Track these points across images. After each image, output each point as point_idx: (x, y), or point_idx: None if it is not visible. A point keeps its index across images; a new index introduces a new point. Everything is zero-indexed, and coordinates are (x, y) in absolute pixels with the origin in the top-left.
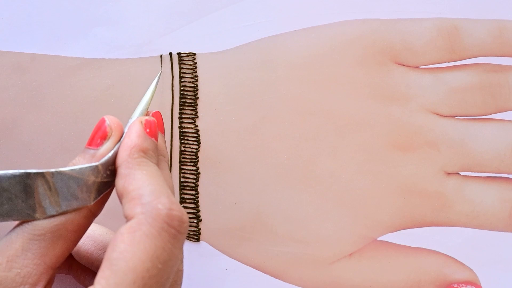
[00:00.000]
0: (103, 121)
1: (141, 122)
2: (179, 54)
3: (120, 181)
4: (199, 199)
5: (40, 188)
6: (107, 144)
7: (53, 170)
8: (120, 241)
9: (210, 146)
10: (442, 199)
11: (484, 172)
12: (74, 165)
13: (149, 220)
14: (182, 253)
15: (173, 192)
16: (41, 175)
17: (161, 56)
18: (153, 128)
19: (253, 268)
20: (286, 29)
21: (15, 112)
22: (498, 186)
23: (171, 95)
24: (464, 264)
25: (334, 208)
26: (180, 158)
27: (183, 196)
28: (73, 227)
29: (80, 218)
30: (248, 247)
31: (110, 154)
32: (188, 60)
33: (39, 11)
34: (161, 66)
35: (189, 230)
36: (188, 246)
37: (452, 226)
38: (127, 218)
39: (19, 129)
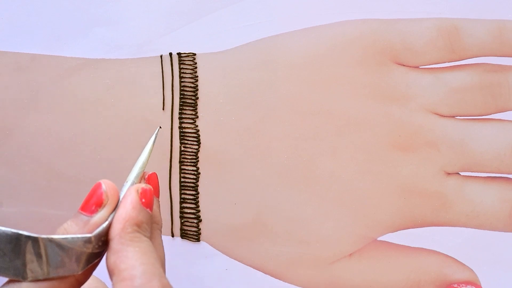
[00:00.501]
0: (99, 186)
1: (137, 191)
2: (179, 54)
3: (111, 257)
4: (199, 199)
5: (29, 252)
6: (102, 213)
7: (44, 236)
8: None
9: (210, 146)
10: (442, 199)
11: (484, 172)
12: (66, 229)
13: None
14: None
15: (164, 265)
16: (33, 239)
17: (161, 56)
18: (149, 197)
19: (253, 268)
20: (286, 29)
21: (15, 112)
22: (498, 186)
23: (171, 95)
24: (464, 264)
25: (334, 208)
26: (180, 158)
27: (183, 196)
28: None
29: (66, 286)
30: (248, 247)
31: (104, 225)
32: (188, 60)
33: (39, 11)
34: (162, 66)
35: (189, 230)
36: (188, 246)
37: (452, 226)
38: None
39: (19, 129)
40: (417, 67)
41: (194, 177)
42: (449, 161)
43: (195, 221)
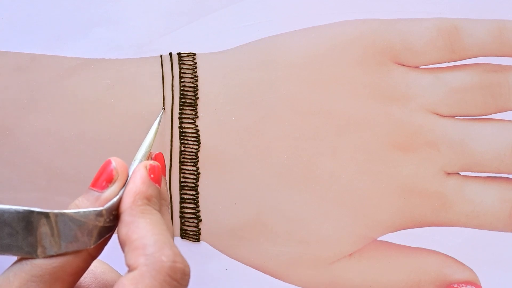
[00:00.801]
0: (109, 162)
1: (146, 167)
2: (179, 54)
3: (123, 229)
4: (199, 199)
5: (42, 227)
6: (113, 188)
7: (56, 211)
8: None
9: (210, 146)
10: (442, 199)
11: (484, 172)
12: (77, 205)
13: (152, 272)
14: None
15: (173, 237)
16: (45, 214)
17: (161, 56)
18: (157, 173)
19: (253, 268)
20: (286, 29)
21: (15, 112)
22: (498, 186)
23: (171, 95)
24: (464, 264)
25: (334, 208)
26: (180, 158)
27: (183, 196)
28: (72, 270)
29: (79, 261)
30: (248, 247)
31: (115, 199)
32: (188, 60)
33: (39, 11)
34: (162, 66)
35: (189, 230)
36: (188, 246)
37: (452, 226)
38: (130, 268)
39: (19, 129)
40: (417, 67)
41: (194, 177)
42: (449, 161)
43: (195, 221)
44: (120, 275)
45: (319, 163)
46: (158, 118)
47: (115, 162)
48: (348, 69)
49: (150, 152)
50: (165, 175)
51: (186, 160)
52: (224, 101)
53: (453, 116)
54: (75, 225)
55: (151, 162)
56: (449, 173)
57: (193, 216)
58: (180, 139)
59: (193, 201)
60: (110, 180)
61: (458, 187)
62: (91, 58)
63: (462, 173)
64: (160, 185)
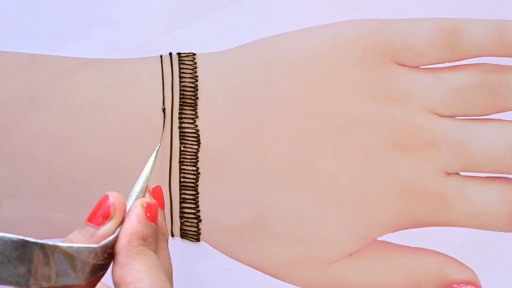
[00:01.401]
0: (106, 198)
1: (142, 205)
2: (179, 54)
3: (118, 270)
4: (199, 199)
5: (35, 258)
6: (109, 225)
7: (51, 243)
8: None
9: (210, 146)
10: (442, 199)
11: (484, 172)
12: (72, 240)
13: None
14: None
15: (171, 275)
16: (40, 245)
17: (161, 56)
18: (154, 212)
19: (253, 268)
20: (286, 29)
21: (15, 112)
22: (498, 186)
23: (171, 95)
24: (464, 264)
25: (334, 208)
26: (180, 158)
27: (183, 196)
28: None
29: None
30: (248, 247)
31: (111, 237)
32: (188, 60)
33: (39, 11)
34: (162, 66)
35: (189, 230)
36: (188, 246)
37: (452, 226)
38: None
39: (19, 129)
40: (417, 67)
41: (194, 177)
42: (449, 161)
43: (195, 221)
44: None
45: (319, 163)
46: (155, 153)
47: (113, 198)
48: (348, 69)
49: (148, 185)
50: (163, 208)
51: (186, 160)
52: (224, 101)
53: (453, 116)
54: (68, 259)
55: (148, 199)
56: (449, 173)
57: (193, 216)
58: (180, 139)
59: (193, 201)
60: (106, 217)
61: (458, 187)
62: (91, 58)
63: (462, 173)
64: (156, 223)
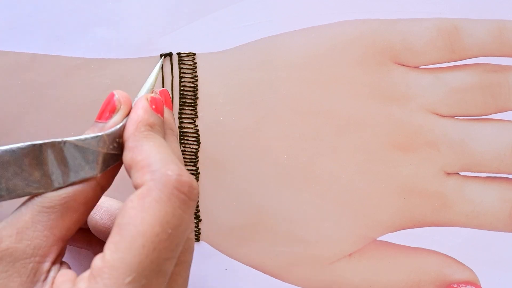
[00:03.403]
0: (112, 95)
1: (147, 99)
2: (179, 54)
3: (128, 154)
4: (199, 199)
5: (48, 158)
6: (116, 117)
7: (59, 139)
8: (130, 207)
9: (210, 146)
10: (442, 199)
11: (484, 172)
12: None
13: (158, 186)
14: (193, 221)
15: (182, 161)
16: (48, 145)
17: (161, 56)
18: (159, 104)
19: (253, 268)
20: (286, 29)
21: (15, 112)
22: (498, 186)
23: (171, 95)
24: (464, 264)
25: (334, 208)
26: None
27: None
28: (82, 199)
29: (89, 190)
30: (248, 247)
31: (118, 126)
32: (188, 60)
33: (39, 11)
34: (162, 66)
35: None
36: None
37: (452, 226)
38: (137, 187)
39: (19, 129)
40: (417, 67)
41: (194, 177)
42: (449, 161)
43: (195, 221)
44: None
45: (319, 163)
46: (160, 62)
47: (118, 94)
48: (348, 69)
49: (153, 90)
50: (171, 109)
51: (186, 160)
52: (224, 101)
53: (453, 116)
54: (79, 152)
55: (152, 94)
56: (449, 173)
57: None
58: (180, 139)
59: None
60: (113, 111)
61: (458, 187)
62: (91, 58)
63: (462, 173)
64: (162, 115)
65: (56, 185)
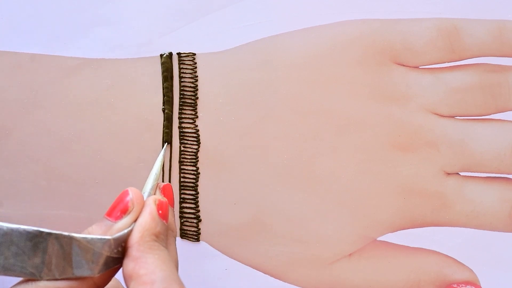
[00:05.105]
0: (126, 193)
1: (155, 202)
2: (179, 54)
3: (130, 264)
4: (199, 199)
5: (50, 249)
6: (126, 220)
7: (66, 233)
8: None
9: (210, 146)
10: (442, 199)
11: (484, 172)
12: (90, 232)
13: None
14: None
15: (177, 268)
16: (54, 236)
17: (161, 56)
18: (165, 209)
19: (253, 268)
20: (286, 29)
21: (15, 112)
22: (498, 186)
23: (171, 95)
24: (464, 264)
25: (334, 208)
26: (180, 158)
27: (182, 196)
28: None
29: (83, 287)
30: (248, 247)
31: (126, 231)
32: (188, 60)
33: (39, 11)
34: (162, 69)
35: (189, 230)
36: (188, 246)
37: (452, 226)
38: None
39: (19, 129)
40: (417, 67)
41: (194, 177)
42: (449, 161)
43: (195, 221)
44: None
45: (319, 163)
46: (163, 151)
47: (132, 193)
48: (348, 69)
49: (158, 183)
50: (173, 206)
51: (186, 160)
52: (224, 101)
53: (453, 116)
54: (83, 250)
55: (160, 197)
56: (449, 173)
57: (192, 216)
58: (180, 139)
59: (192, 201)
60: (125, 211)
61: (458, 187)
62: (91, 58)
63: (462, 173)
64: (167, 220)
65: (52, 275)
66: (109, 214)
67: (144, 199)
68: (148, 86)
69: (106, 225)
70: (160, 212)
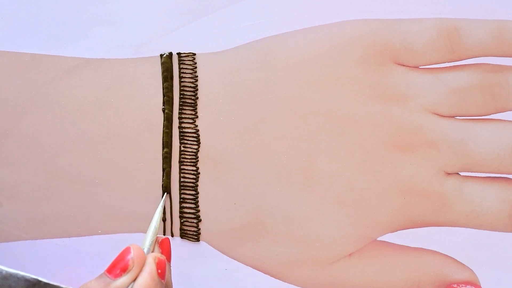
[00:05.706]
0: (128, 251)
1: (155, 261)
2: (179, 54)
3: None
4: (199, 199)
5: None
6: (125, 278)
7: (64, 286)
8: None
9: (210, 146)
10: (442, 199)
11: (484, 172)
12: (88, 287)
13: None
14: None
15: None
16: (52, 287)
17: (161, 56)
18: (164, 268)
19: (253, 268)
20: (286, 29)
21: (15, 112)
22: (498, 186)
23: (171, 95)
24: (464, 264)
25: (334, 208)
26: (180, 158)
27: (183, 196)
28: None
29: None
30: (248, 247)
31: None
32: (188, 60)
33: (39, 11)
34: (162, 69)
35: (189, 230)
36: (188, 246)
37: (452, 226)
38: None
39: (19, 129)
40: (417, 67)
41: (194, 177)
42: (448, 161)
43: (195, 221)
44: None
45: (319, 163)
46: (162, 203)
47: (134, 252)
48: (348, 69)
49: (157, 237)
50: (170, 261)
51: (186, 160)
52: (224, 101)
53: (453, 116)
54: None
55: (159, 255)
56: (448, 173)
57: (192, 216)
58: (180, 139)
59: (192, 201)
60: (124, 270)
61: (458, 187)
62: (91, 58)
63: (462, 173)
64: (165, 279)
65: None
66: (109, 271)
67: (145, 254)
68: (148, 86)
69: (104, 282)
70: (159, 271)
